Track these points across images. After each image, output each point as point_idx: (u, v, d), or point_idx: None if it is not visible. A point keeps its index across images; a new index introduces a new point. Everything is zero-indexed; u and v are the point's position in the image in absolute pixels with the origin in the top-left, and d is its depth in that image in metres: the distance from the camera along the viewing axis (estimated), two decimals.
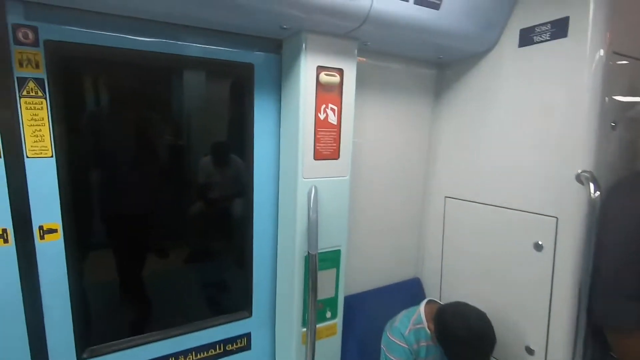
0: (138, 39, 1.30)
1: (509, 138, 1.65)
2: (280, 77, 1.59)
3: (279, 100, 1.61)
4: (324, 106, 1.48)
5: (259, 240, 1.69)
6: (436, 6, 1.38)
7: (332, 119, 1.51)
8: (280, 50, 1.56)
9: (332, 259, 1.62)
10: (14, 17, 1.13)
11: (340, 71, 1.48)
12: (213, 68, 1.51)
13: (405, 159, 2.01)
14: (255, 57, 1.53)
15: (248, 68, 1.53)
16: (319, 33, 1.40)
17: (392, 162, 1.97)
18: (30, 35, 1.15)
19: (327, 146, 1.52)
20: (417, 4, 1.34)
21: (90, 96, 1.34)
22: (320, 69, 1.44)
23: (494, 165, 1.72)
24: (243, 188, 1.66)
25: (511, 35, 1.62)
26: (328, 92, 1.48)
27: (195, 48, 1.41)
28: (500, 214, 1.70)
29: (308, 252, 1.48)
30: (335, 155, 1.55)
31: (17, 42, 1.14)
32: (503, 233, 1.69)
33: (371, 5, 1.27)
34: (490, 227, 1.75)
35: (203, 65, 1.48)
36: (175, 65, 1.44)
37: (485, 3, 1.50)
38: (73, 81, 1.25)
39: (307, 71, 1.42)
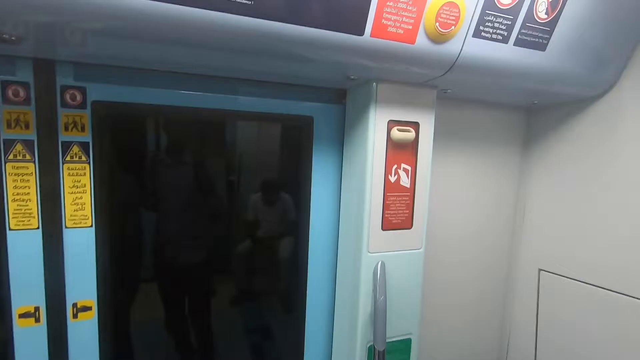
0: (189, 95, 1.18)
1: (635, 200, 1.27)
2: (343, 129, 1.38)
3: (341, 155, 1.40)
4: (395, 166, 1.24)
5: (312, 332, 1.44)
6: (542, 47, 1.10)
7: (405, 182, 1.26)
8: (343, 99, 1.36)
9: (401, 350, 1.32)
10: (63, 79, 1.05)
11: (416, 125, 1.24)
12: (268, 121, 1.35)
13: (488, 223, 1.68)
14: (314, 109, 1.35)
15: (306, 121, 1.35)
16: (393, 82, 1.18)
17: (472, 227, 1.65)
18: (78, 96, 1.07)
19: (398, 213, 1.26)
20: (518, 46, 1.07)
21: (136, 159, 1.23)
22: (392, 123, 1.21)
23: (611, 235, 1.34)
24: (294, 261, 1.44)
25: (636, 75, 1.28)
26: (401, 150, 1.24)
27: (249, 102, 1.26)
28: (615, 301, 1.29)
29: (372, 345, 1.20)
30: (407, 224, 1.28)
31: (65, 105, 1.06)
32: (614, 327, 1.28)
33: (461, 50, 1.03)
34: (599, 317, 1.34)
35: (257, 119, 1.32)
36: (226, 120, 1.30)
37: (600, 40, 1.19)
38: (118, 143, 1.14)
39: (377, 126, 1.19)
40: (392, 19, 0.92)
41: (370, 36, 0.93)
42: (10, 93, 1.00)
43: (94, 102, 1.08)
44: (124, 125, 1.16)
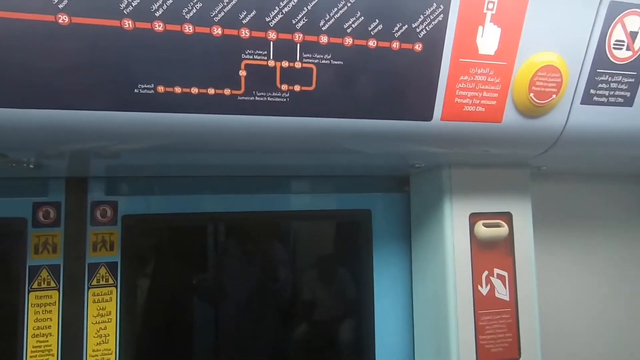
0: (225, 199, 1.03)
1: None
2: (409, 221, 1.13)
3: (409, 253, 1.13)
4: (486, 273, 0.93)
5: None
6: None
7: (502, 293, 0.93)
8: (406, 187, 1.13)
9: None
10: (94, 195, 0.96)
11: (507, 217, 0.95)
12: (319, 220, 1.14)
13: (628, 330, 1.22)
14: (371, 201, 1.12)
15: (363, 215, 1.12)
16: (471, 166, 0.94)
17: (605, 340, 1.20)
18: (109, 212, 0.97)
19: (498, 339, 0.92)
20: None
21: (169, 277, 1.07)
22: (475, 216, 0.94)
23: None
24: None
25: None
26: (491, 251, 0.94)
27: (297, 200, 1.08)
28: None
29: None
30: (512, 352, 0.93)
31: (94, 223, 0.96)
32: None
33: (566, 122, 0.77)
34: None
35: (307, 219, 1.12)
36: (271, 223, 1.11)
37: None
38: (149, 262, 1.00)
39: (455, 221, 0.93)
40: (469, 95, 0.71)
41: (441, 120, 0.71)
42: (40, 215, 0.93)
43: (125, 217, 0.97)
44: (158, 240, 1.03)
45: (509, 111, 0.73)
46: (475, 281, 0.92)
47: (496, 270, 0.94)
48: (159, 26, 0.56)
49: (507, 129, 0.75)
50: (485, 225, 0.92)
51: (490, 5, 0.66)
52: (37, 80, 0.55)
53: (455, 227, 0.93)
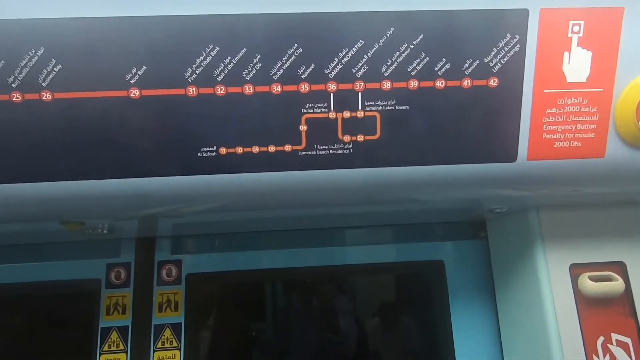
0: (288, 254, 0.99)
1: None
2: (490, 269, 0.99)
3: (493, 309, 0.97)
4: (601, 340, 0.76)
5: None
6: None
7: None
8: (482, 232, 1.01)
9: None
10: (161, 254, 0.98)
11: (620, 267, 0.78)
12: (383, 272, 1.05)
13: None
14: (444, 251, 1.01)
15: (435, 266, 1.01)
16: (564, 208, 0.80)
17: None
18: (174, 271, 0.97)
19: None
20: None
21: (232, 335, 1.02)
22: (577, 268, 0.78)
23: None
24: None
25: None
26: (604, 311, 0.77)
27: (359, 252, 1.00)
28: None
29: None
30: None
31: (160, 282, 0.96)
32: None
33: None
34: None
35: (372, 272, 1.03)
36: (336, 277, 1.04)
37: None
38: (212, 321, 0.97)
39: (552, 275, 0.78)
40: (559, 130, 0.61)
41: (528, 159, 0.62)
42: (113, 276, 0.96)
43: (189, 275, 0.97)
44: (220, 298, 1.00)
45: (612, 143, 0.62)
46: (589, 350, 0.75)
47: (615, 336, 0.76)
48: (220, 90, 0.56)
49: (612, 164, 0.63)
50: (593, 279, 0.76)
51: (576, 28, 0.58)
52: (112, 152, 0.57)
53: (553, 281, 0.78)
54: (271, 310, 1.04)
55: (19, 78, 0.54)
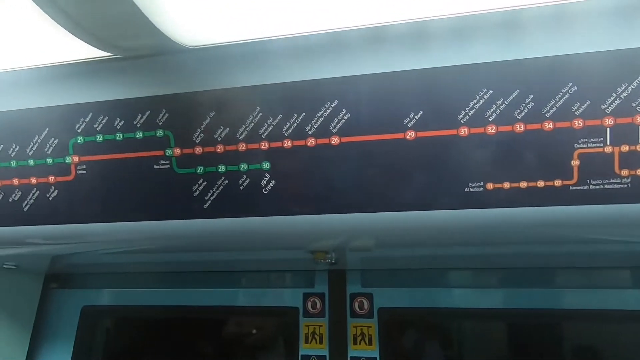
0: (496, 293, 0.95)
1: None
2: None
3: None
4: None
5: None
6: None
7: None
8: None
9: None
10: (352, 287, 1.02)
11: None
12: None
13: None
14: None
15: None
16: None
17: None
18: (366, 304, 1.00)
19: None
20: None
21: None
22: None
23: None
24: None
25: None
26: None
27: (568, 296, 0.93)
28: None
29: None
30: None
31: (354, 315, 1.00)
32: None
33: None
34: None
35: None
36: (552, 320, 0.95)
37: None
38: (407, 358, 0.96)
39: None
40: None
41: None
42: (309, 305, 1.02)
43: (380, 310, 0.99)
44: (416, 336, 1.00)
45: None
46: None
47: None
48: (491, 129, 0.60)
49: None
50: None
51: None
52: (386, 187, 0.63)
53: None
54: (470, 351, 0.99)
55: (314, 126, 0.64)
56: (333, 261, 0.82)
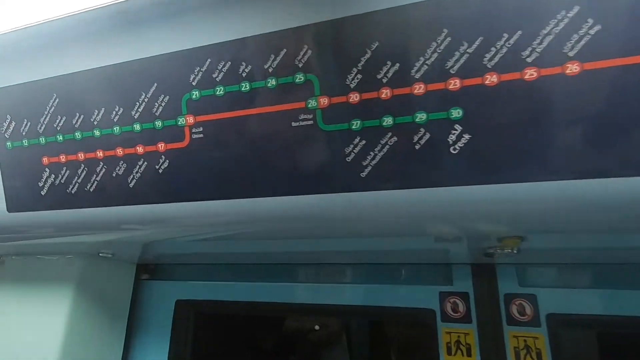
0: None
1: None
2: None
3: None
4: None
5: None
6: None
7: None
8: None
9: None
10: (506, 286, 0.80)
11: None
12: None
13: None
14: None
15: None
16: None
17: None
18: (527, 308, 0.77)
19: None
20: None
21: None
22: None
23: None
24: None
25: None
26: None
27: None
28: None
29: None
30: None
31: (511, 322, 0.78)
32: None
33: None
34: None
35: None
36: None
37: None
38: None
39: None
40: None
41: None
42: (448, 307, 0.82)
43: (549, 316, 0.76)
44: (600, 350, 0.76)
45: None
46: None
47: None
48: None
49: None
50: None
51: None
52: None
53: None
54: None
55: (537, 49, 0.43)
56: (516, 251, 0.61)
